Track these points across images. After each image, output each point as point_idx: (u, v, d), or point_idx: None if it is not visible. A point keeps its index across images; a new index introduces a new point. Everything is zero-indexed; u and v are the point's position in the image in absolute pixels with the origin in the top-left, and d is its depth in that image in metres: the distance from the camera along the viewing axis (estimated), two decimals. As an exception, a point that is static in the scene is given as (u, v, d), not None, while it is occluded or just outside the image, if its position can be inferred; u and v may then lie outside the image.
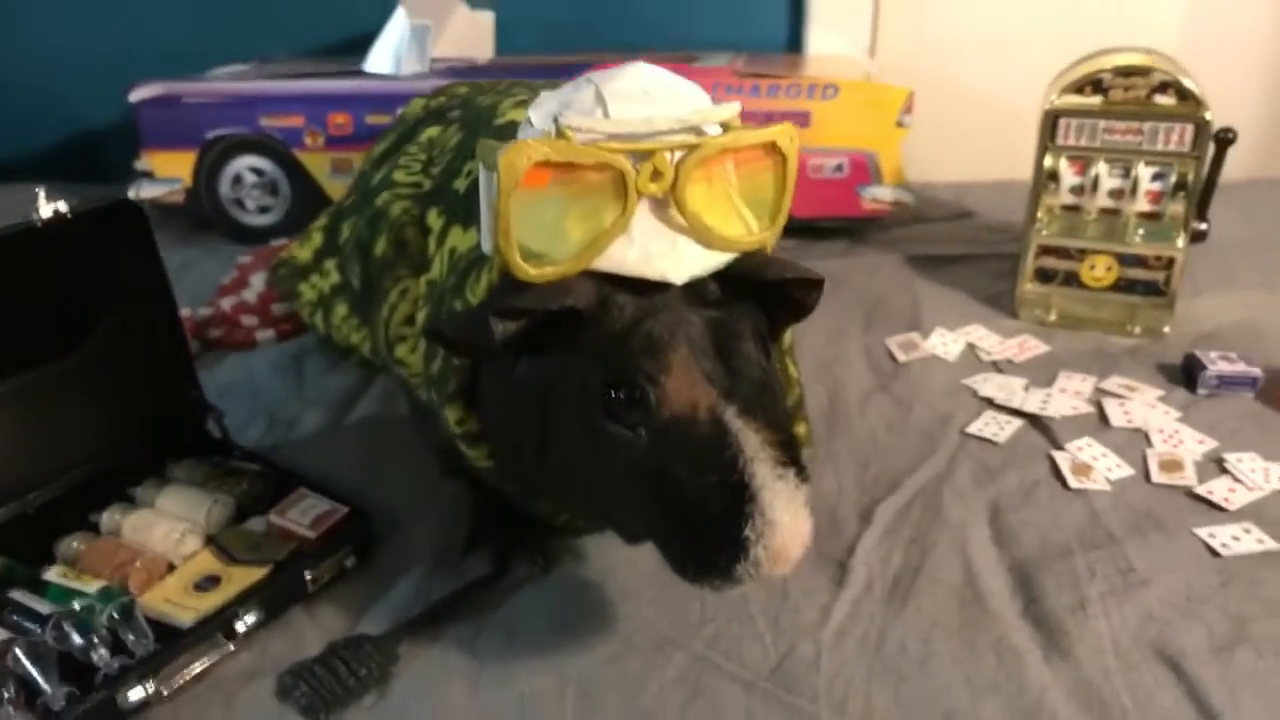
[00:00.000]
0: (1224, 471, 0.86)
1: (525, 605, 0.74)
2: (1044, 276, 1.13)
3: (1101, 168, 1.09)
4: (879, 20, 1.65)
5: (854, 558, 0.77)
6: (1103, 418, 0.95)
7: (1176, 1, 1.57)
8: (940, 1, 1.62)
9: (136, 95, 1.34)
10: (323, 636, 0.71)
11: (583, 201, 0.56)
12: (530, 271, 0.56)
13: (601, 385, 0.57)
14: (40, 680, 0.64)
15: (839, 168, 1.30)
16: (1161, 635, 0.69)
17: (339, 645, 0.69)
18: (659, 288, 0.59)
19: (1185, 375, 1.01)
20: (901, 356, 1.07)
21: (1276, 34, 1.59)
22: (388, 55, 1.37)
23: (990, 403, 0.98)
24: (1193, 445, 0.90)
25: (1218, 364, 0.98)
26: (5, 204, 0.80)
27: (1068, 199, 1.12)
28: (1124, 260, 1.09)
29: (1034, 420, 0.95)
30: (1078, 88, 1.07)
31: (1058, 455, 0.89)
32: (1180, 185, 1.07)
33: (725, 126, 0.58)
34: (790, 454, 0.57)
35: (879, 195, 1.31)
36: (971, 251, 1.33)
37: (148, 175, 1.37)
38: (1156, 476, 0.86)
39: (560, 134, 0.54)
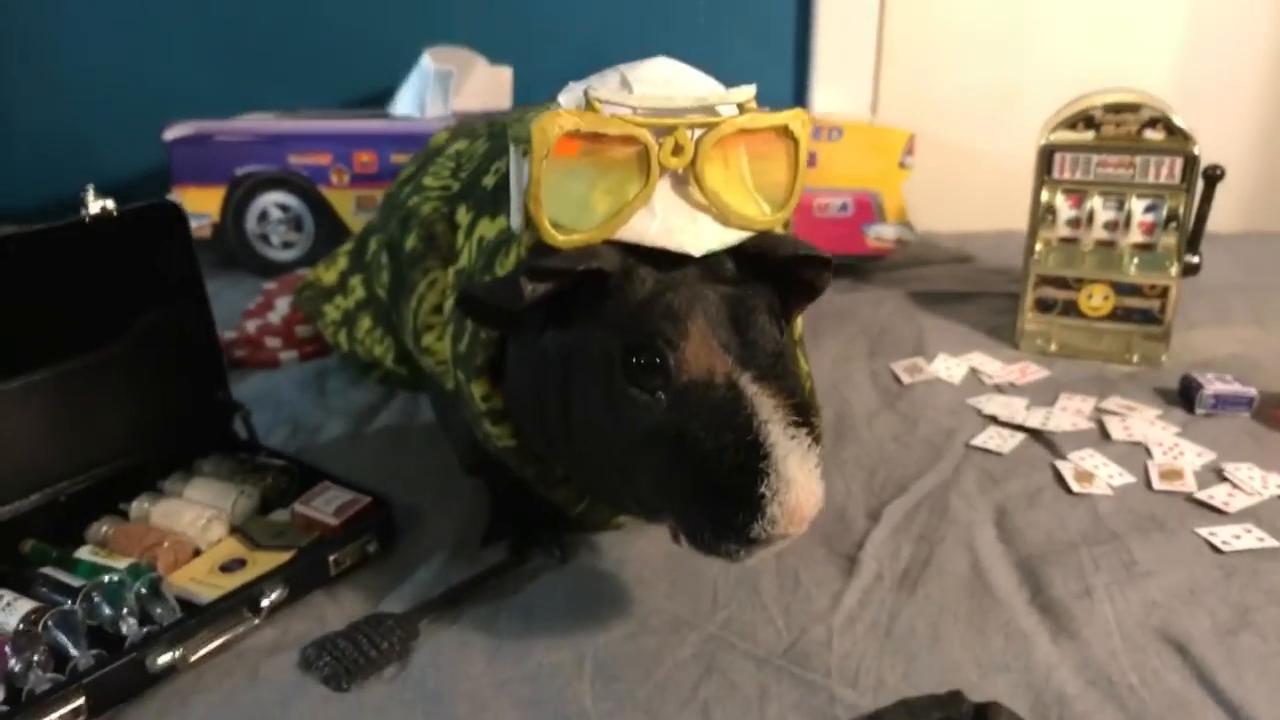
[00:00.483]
0: (1223, 479, 0.88)
1: (543, 589, 0.75)
2: (1043, 306, 1.16)
3: (1096, 201, 1.14)
4: (880, 78, 1.73)
5: (863, 551, 0.79)
6: (1104, 433, 0.97)
7: (1169, 59, 1.65)
8: (939, 61, 1.69)
9: (170, 134, 1.40)
10: (345, 617, 0.73)
11: (608, 176, 0.60)
12: (558, 238, 0.59)
13: (623, 351, 0.60)
14: (70, 647, 0.66)
15: (844, 207, 1.35)
16: (1166, 621, 0.71)
17: (361, 622, 0.71)
18: (678, 264, 0.62)
19: (1183, 396, 1.04)
20: (906, 379, 1.10)
21: (1266, 90, 1.66)
22: (412, 99, 1.43)
23: (994, 419, 1.00)
24: (1192, 457, 0.92)
25: (1214, 384, 1.01)
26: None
27: (1064, 231, 1.16)
28: (1120, 289, 1.13)
29: (1036, 434, 0.97)
30: (1071, 124, 1.12)
31: (1060, 464, 0.91)
32: (1172, 217, 1.11)
33: (741, 108, 0.62)
34: (803, 417, 0.59)
35: (883, 233, 1.36)
36: (972, 289, 1.37)
37: (177, 211, 1.42)
38: (1157, 484, 0.88)
39: (589, 106, 0.58)
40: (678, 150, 0.60)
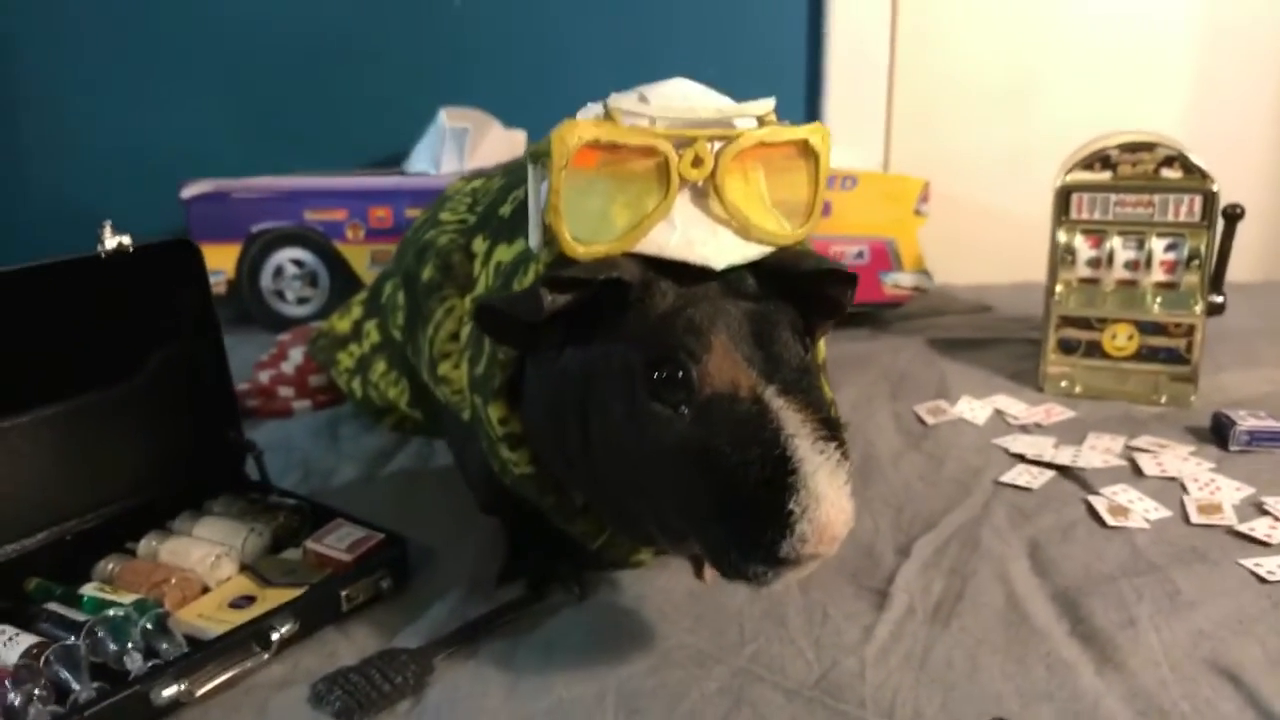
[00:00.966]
0: (1264, 513, 0.86)
1: (562, 625, 0.73)
2: (1067, 348, 1.15)
3: (1116, 241, 1.13)
4: (891, 136, 1.74)
5: (894, 585, 0.76)
6: (1136, 470, 0.95)
7: (1178, 113, 1.66)
8: (949, 118, 1.71)
9: (187, 192, 1.41)
10: (357, 653, 0.70)
11: (627, 189, 0.59)
12: (578, 249, 0.59)
13: (644, 365, 0.59)
14: (72, 682, 0.63)
15: (860, 254, 1.34)
16: (1215, 651, 0.68)
17: (374, 657, 0.68)
18: (699, 279, 0.61)
19: (1215, 434, 1.02)
20: (930, 420, 1.08)
21: (1277, 139, 1.66)
22: (428, 156, 1.45)
23: (1021, 458, 0.98)
24: (1230, 491, 0.89)
25: (1248, 420, 0.99)
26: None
27: (1085, 272, 1.15)
28: (1144, 329, 1.11)
29: (1066, 470, 0.95)
30: (1087, 164, 1.12)
31: (1093, 499, 0.89)
32: (1193, 256, 1.10)
33: (761, 121, 0.62)
34: (831, 432, 0.57)
35: (900, 281, 1.35)
36: (992, 336, 1.35)
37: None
38: (1195, 518, 0.85)
39: (608, 116, 0.58)
40: (698, 162, 0.60)
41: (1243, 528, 0.83)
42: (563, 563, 0.78)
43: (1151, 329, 1.11)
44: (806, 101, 1.71)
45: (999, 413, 1.10)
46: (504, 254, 0.73)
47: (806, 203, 0.65)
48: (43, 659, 0.64)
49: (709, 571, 0.78)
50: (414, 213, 1.37)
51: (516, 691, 0.66)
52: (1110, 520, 0.85)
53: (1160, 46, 1.65)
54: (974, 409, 1.10)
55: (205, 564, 0.76)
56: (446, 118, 1.45)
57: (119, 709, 0.61)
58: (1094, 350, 1.14)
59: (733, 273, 0.62)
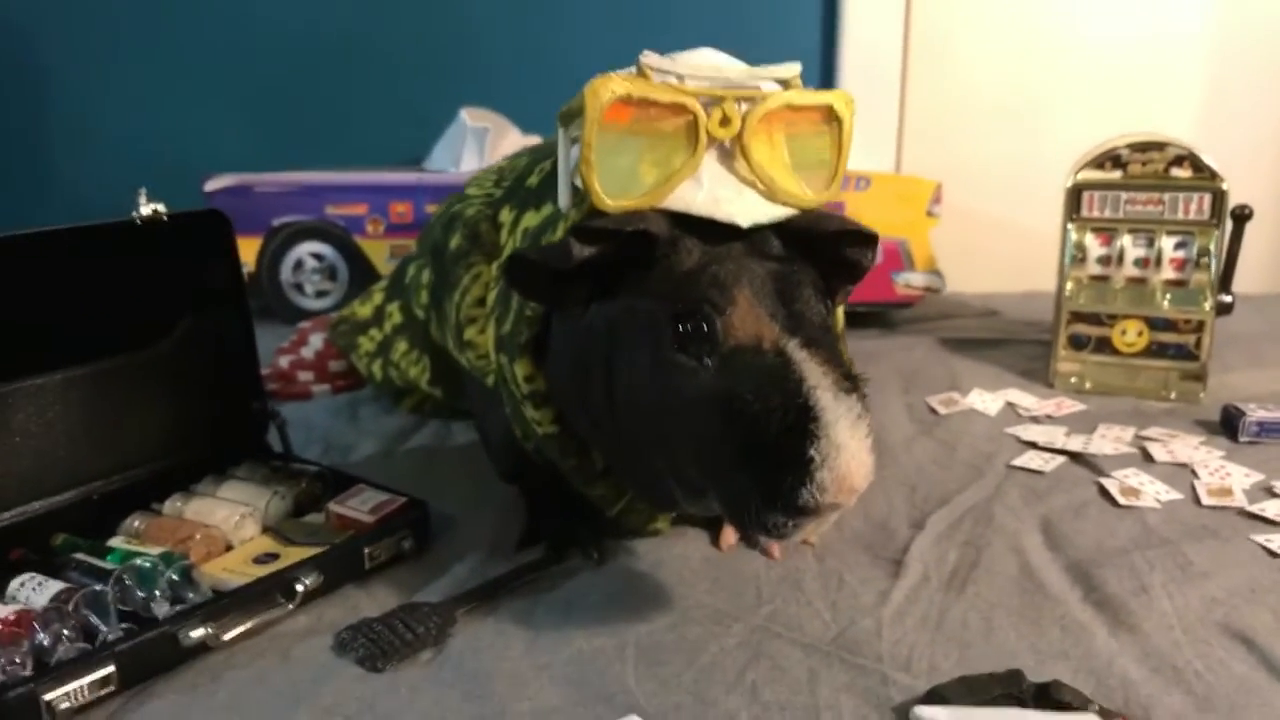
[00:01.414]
0: (1274, 495, 0.86)
1: (581, 586, 0.74)
2: (1077, 343, 1.16)
3: (1126, 239, 1.14)
4: (902, 148, 1.77)
5: (908, 555, 0.77)
6: (1147, 456, 0.96)
7: (1188, 125, 1.68)
8: (960, 130, 1.73)
9: (210, 185, 1.44)
10: (379, 608, 0.71)
11: (656, 148, 0.61)
12: (608, 202, 0.60)
13: (670, 318, 0.60)
14: (100, 625, 0.64)
15: (872, 254, 1.36)
16: (1228, 616, 0.68)
17: (397, 609, 0.69)
18: (724, 239, 0.63)
19: (1225, 427, 1.02)
20: (942, 410, 1.09)
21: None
22: (448, 154, 1.47)
23: (1033, 445, 0.99)
24: (1240, 477, 0.90)
25: (1258, 412, 1.00)
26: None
27: (1095, 269, 1.16)
28: (1154, 325, 1.13)
29: (1077, 456, 0.96)
30: (1098, 163, 1.14)
31: (1105, 480, 0.89)
32: (1203, 254, 1.12)
33: (787, 85, 0.64)
34: (852, 384, 0.59)
35: (912, 280, 1.37)
36: (1003, 337, 1.36)
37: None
38: (1206, 500, 0.86)
39: (640, 72, 0.60)
40: (725, 121, 0.61)
41: (1253, 508, 0.84)
42: (582, 529, 0.79)
43: (1161, 325, 1.12)
44: (819, 112, 1.73)
45: (1010, 405, 1.11)
46: (531, 220, 0.75)
47: (830, 167, 0.66)
48: (71, 603, 0.65)
49: (725, 539, 0.79)
50: (433, 209, 1.39)
51: (537, 644, 0.66)
52: (1122, 500, 0.86)
53: (1169, 60, 1.68)
54: (985, 401, 1.11)
55: (230, 523, 0.77)
56: (468, 117, 1.48)
57: (147, 647, 0.62)
58: (1104, 346, 1.15)
59: (757, 233, 0.64)
